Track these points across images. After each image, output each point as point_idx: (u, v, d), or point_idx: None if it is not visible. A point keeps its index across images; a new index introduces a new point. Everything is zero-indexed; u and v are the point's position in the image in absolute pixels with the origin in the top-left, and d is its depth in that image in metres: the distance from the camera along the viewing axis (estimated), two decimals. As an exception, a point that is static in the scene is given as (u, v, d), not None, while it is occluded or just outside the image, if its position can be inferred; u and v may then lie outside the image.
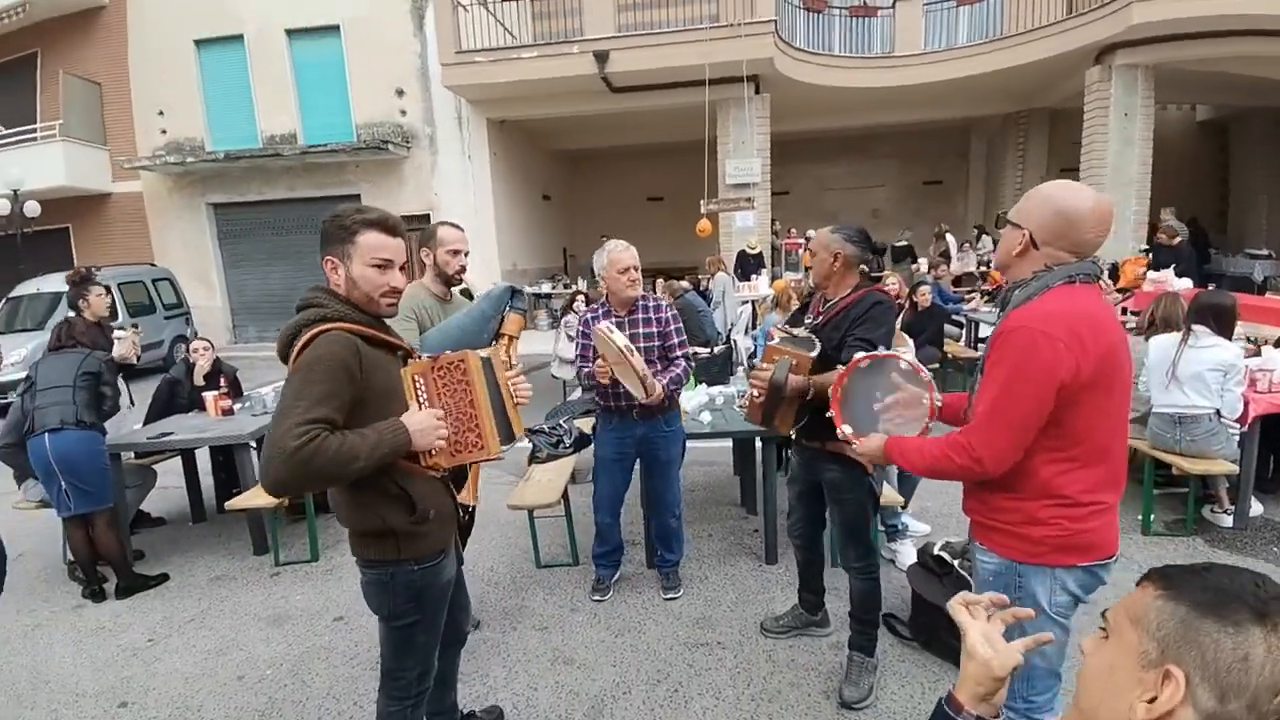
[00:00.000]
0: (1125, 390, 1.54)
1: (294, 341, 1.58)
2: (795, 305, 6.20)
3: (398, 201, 12.43)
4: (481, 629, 3.04)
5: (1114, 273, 8.63)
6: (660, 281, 8.75)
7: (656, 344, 3.03)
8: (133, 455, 4.16)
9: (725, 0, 10.39)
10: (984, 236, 12.58)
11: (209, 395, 4.29)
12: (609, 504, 3.26)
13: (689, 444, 3.42)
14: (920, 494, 3.87)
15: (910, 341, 3.68)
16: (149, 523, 4.43)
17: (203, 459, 4.62)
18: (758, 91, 11.43)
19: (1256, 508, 3.82)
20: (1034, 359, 1.43)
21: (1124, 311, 6.65)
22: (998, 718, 0.88)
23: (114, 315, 9.16)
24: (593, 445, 4.88)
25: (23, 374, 3.89)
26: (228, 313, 13.84)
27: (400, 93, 12.39)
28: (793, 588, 2.96)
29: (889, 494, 3.32)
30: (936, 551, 2.85)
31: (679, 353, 3.06)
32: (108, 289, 4.52)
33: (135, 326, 5.13)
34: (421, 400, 1.71)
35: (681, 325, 3.12)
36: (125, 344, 3.96)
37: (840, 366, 2.15)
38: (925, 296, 6.45)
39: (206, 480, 4.62)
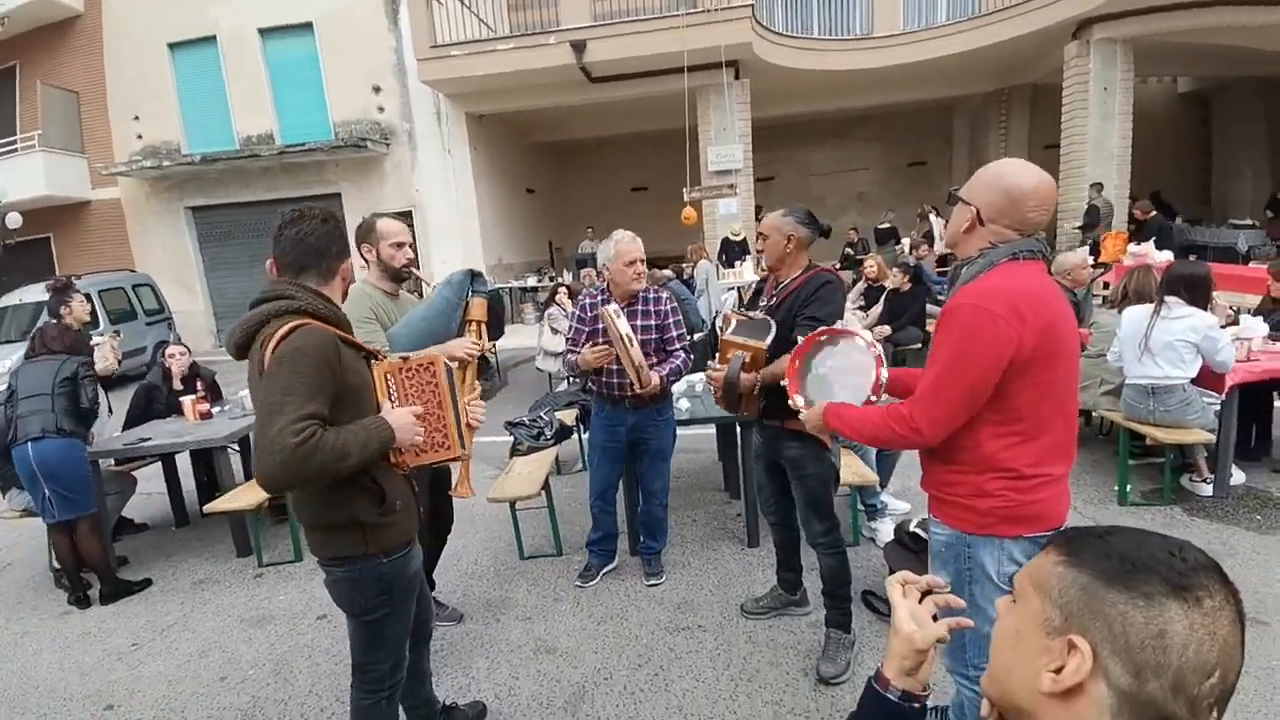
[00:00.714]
0: (1069, 364, 1.56)
1: (260, 331, 1.57)
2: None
3: (379, 199, 12.33)
4: (465, 622, 3.05)
5: (1095, 247, 8.69)
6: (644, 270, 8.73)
7: (655, 336, 3.05)
8: (112, 462, 4.15)
9: (701, -15, 10.33)
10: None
11: (186, 400, 4.26)
12: (602, 490, 3.28)
13: (674, 431, 3.44)
14: (901, 473, 3.90)
15: (856, 321, 3.70)
16: (132, 529, 4.43)
17: (183, 463, 4.61)
18: (737, 77, 11.38)
19: (1238, 476, 3.85)
20: (977, 335, 1.46)
21: (1104, 285, 6.71)
22: (926, 691, 0.88)
23: (95, 323, 9.13)
24: (575, 435, 4.91)
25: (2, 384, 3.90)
26: (210, 316, 13.75)
27: (377, 89, 12.27)
28: (773, 569, 2.98)
29: (866, 474, 3.34)
30: (912, 528, 2.87)
31: (678, 345, 3.07)
32: (87, 296, 4.51)
33: (117, 333, 5.09)
34: (393, 398, 1.73)
35: (681, 318, 3.12)
36: (104, 350, 3.94)
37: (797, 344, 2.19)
38: (902, 279, 6.46)
39: (188, 484, 4.60)
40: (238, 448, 4.34)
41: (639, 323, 3.01)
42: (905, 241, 11.64)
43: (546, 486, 3.58)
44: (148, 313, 11.22)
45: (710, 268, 8.90)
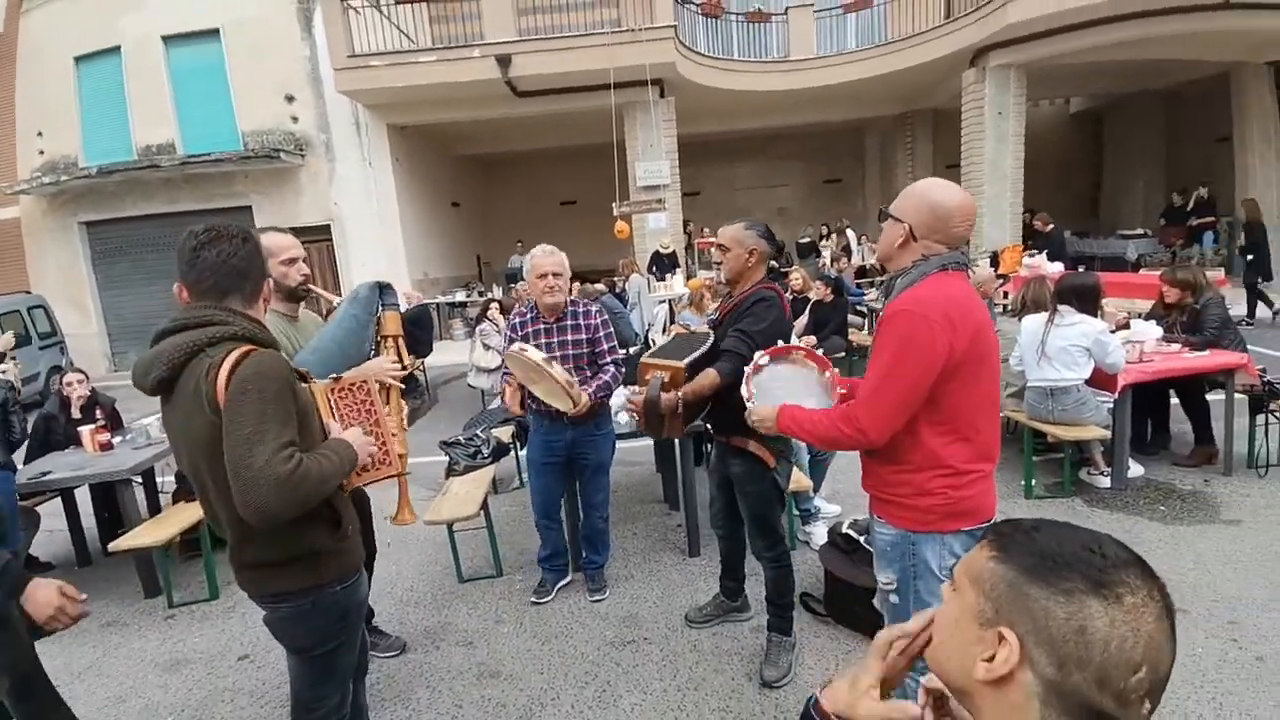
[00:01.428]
0: (993, 367, 1.69)
1: (191, 362, 1.46)
2: (710, 303, 6.38)
3: (295, 212, 11.79)
4: (405, 652, 2.94)
5: (994, 260, 9.37)
6: (575, 285, 8.74)
7: (586, 350, 3.00)
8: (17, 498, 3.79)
9: (626, 5, 10.49)
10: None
11: (85, 430, 3.93)
12: (543, 507, 3.24)
13: (611, 445, 3.45)
14: (831, 477, 4.06)
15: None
16: (38, 567, 4.06)
17: (83, 497, 4.23)
18: (663, 95, 11.62)
19: (1137, 469, 4.17)
20: (913, 340, 1.56)
21: (1004, 295, 7.24)
22: None
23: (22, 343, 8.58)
24: (513, 452, 4.84)
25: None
26: (105, 339, 12.73)
27: (290, 98, 11.76)
28: (715, 577, 3.04)
29: (800, 479, 3.46)
30: (844, 530, 3.00)
31: (609, 359, 3.02)
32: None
33: (14, 360, 4.61)
34: (336, 419, 1.70)
35: (612, 331, 3.08)
36: (9, 377, 3.62)
37: (712, 367, 2.32)
38: (825, 291, 6.78)
39: (89, 520, 4.23)
40: (141, 480, 4.03)
41: (569, 337, 2.98)
42: (825, 254, 12.16)
43: (485, 506, 3.51)
44: (41, 336, 10.31)
45: (642, 282, 9.02)
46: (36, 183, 11.83)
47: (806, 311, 6.86)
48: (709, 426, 2.61)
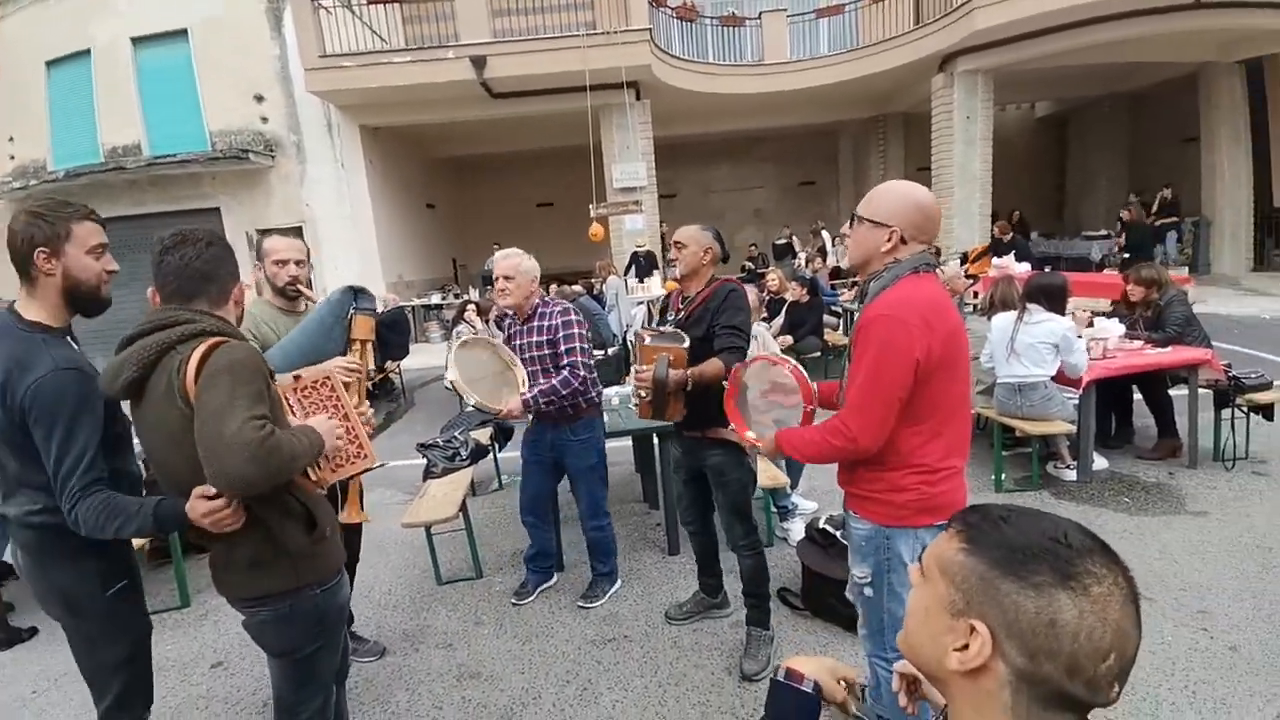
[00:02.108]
0: (966, 365, 1.73)
1: (161, 361, 1.47)
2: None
3: (265, 214, 11.59)
4: (384, 656, 2.91)
5: (964, 260, 9.56)
6: (554, 287, 8.73)
7: (547, 352, 2.95)
8: None
9: (601, 7, 10.51)
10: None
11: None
12: (529, 505, 3.23)
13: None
14: (808, 473, 4.12)
15: (774, 344, 3.91)
16: (11, 575, 3.97)
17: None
18: (639, 97, 11.66)
19: (1101, 463, 4.28)
20: (893, 344, 1.58)
21: (974, 295, 7.39)
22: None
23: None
24: (491, 454, 4.81)
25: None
26: (69, 344, 12.38)
27: (259, 99, 11.55)
28: (694, 575, 3.06)
29: (778, 476, 3.51)
30: (821, 525, 3.04)
31: (566, 360, 2.89)
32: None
33: None
34: (296, 415, 1.70)
35: (575, 333, 2.92)
36: None
37: (715, 358, 2.33)
38: (800, 292, 6.87)
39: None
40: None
41: (532, 339, 2.96)
42: (801, 256, 12.30)
43: (464, 508, 3.49)
44: None
45: (620, 283, 9.03)
46: (6, 188, 11.62)
47: (783, 312, 6.93)
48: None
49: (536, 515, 3.25)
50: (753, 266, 12.87)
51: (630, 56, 10.31)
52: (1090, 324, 4.71)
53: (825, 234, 13.64)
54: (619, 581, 3.30)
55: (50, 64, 12.00)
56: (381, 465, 1.90)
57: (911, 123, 14.81)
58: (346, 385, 2.02)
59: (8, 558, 3.92)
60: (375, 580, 3.59)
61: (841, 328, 8.48)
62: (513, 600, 3.25)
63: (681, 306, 2.57)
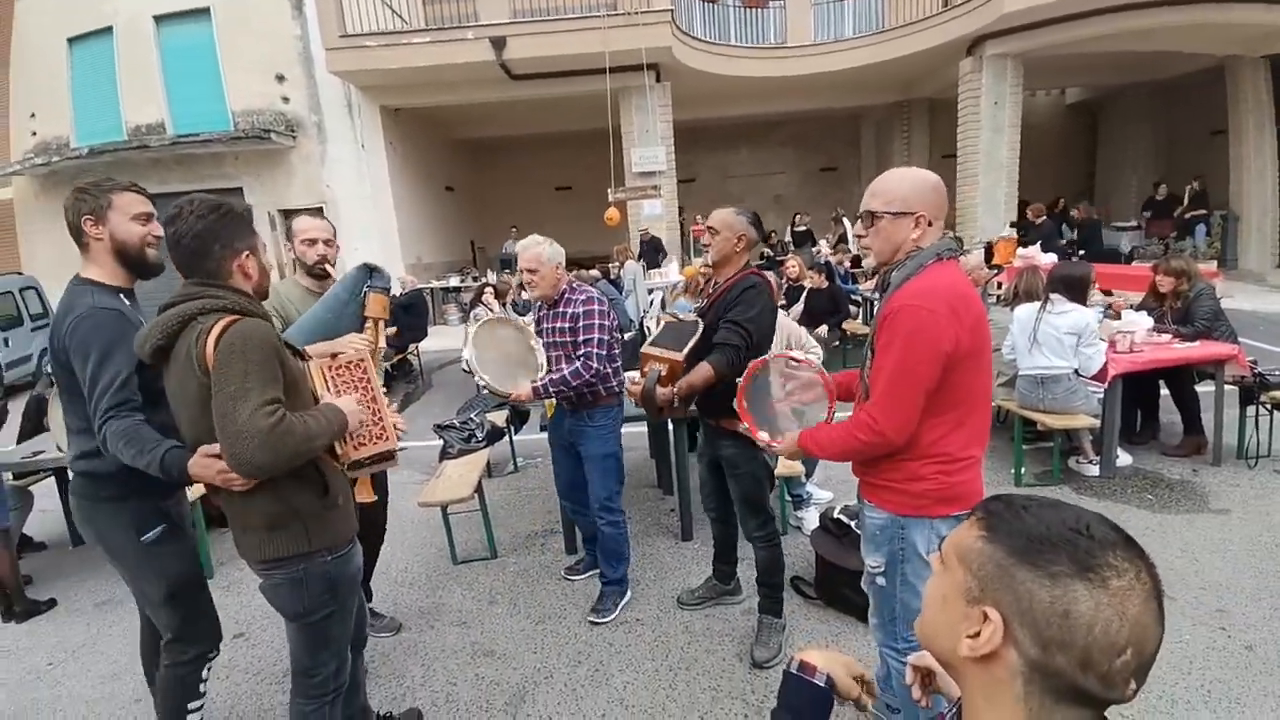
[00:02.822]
0: (989, 356, 1.70)
1: (183, 332, 1.54)
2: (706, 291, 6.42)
3: (286, 194, 11.68)
4: (400, 632, 2.97)
5: (989, 250, 9.39)
6: (571, 272, 8.72)
7: (568, 339, 2.87)
8: (10, 476, 3.82)
9: (623, -12, 10.40)
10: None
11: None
12: (565, 491, 3.23)
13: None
14: (824, 463, 4.09)
15: (798, 330, 3.86)
16: (31, 547, 4.15)
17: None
18: (659, 80, 11.53)
19: (1125, 459, 4.21)
20: (921, 335, 1.54)
21: (998, 285, 7.27)
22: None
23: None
24: (507, 436, 4.85)
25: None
26: (96, 320, 12.64)
27: (281, 78, 11.59)
28: (708, 561, 3.07)
29: (793, 465, 3.49)
30: (835, 515, 3.03)
31: (582, 351, 2.81)
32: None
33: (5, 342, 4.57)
34: (332, 392, 1.76)
35: (596, 323, 2.81)
36: None
37: (706, 359, 2.33)
38: (819, 279, 6.82)
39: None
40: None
41: (556, 325, 2.89)
42: (822, 244, 12.16)
43: (479, 489, 3.52)
44: (33, 318, 10.24)
45: (638, 268, 9.01)
46: (29, 164, 11.73)
47: (802, 299, 6.88)
48: (697, 410, 2.63)
49: (574, 501, 3.22)
50: (772, 254, 12.75)
51: (651, 38, 10.18)
52: (1118, 316, 4.62)
53: (845, 221, 13.46)
54: (630, 593, 3.10)
55: (72, 41, 12.08)
56: (402, 449, 1.94)
57: (937, 108, 14.50)
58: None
59: (28, 530, 4.08)
60: (392, 558, 3.64)
61: (862, 316, 8.39)
62: (564, 574, 3.32)
63: (710, 291, 2.56)
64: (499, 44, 10.10)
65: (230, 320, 1.51)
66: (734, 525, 2.87)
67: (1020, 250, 8.57)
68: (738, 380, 2.08)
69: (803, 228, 13.50)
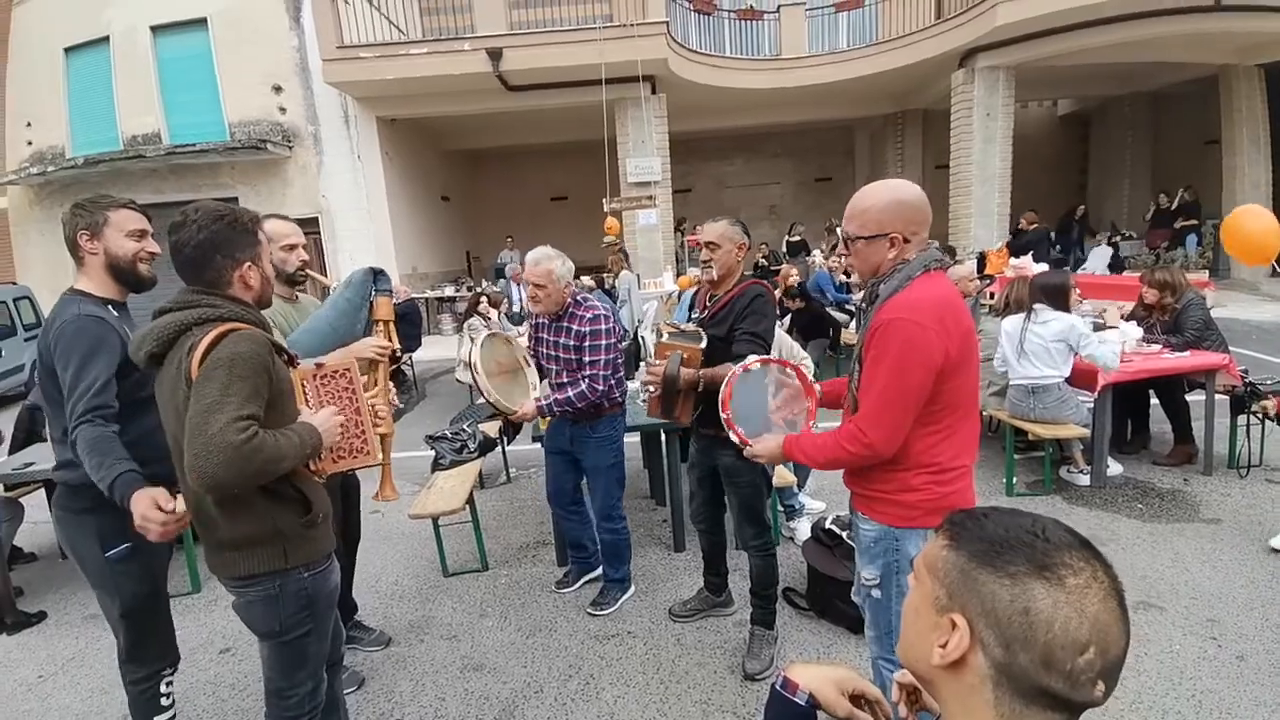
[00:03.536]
0: (978, 365, 1.71)
1: (179, 339, 1.52)
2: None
3: (282, 204, 11.68)
4: (389, 646, 2.94)
5: (981, 261, 9.45)
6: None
7: (572, 356, 2.83)
8: (1, 488, 3.82)
9: (618, 1, 10.47)
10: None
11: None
12: (554, 497, 3.21)
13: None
14: (816, 472, 4.08)
15: (801, 352, 3.89)
16: (22, 559, 4.11)
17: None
18: (654, 91, 11.59)
19: (1116, 468, 4.22)
20: (911, 347, 1.54)
21: (990, 295, 7.30)
22: None
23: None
24: (500, 447, 4.84)
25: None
26: (90, 330, 12.60)
27: (278, 89, 11.64)
28: (700, 572, 3.06)
29: (785, 475, 3.49)
30: (828, 525, 3.03)
31: (586, 371, 2.77)
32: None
33: None
34: (310, 404, 1.73)
35: (602, 343, 2.78)
36: None
37: (731, 362, 2.27)
38: (791, 303, 6.97)
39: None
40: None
41: (560, 339, 2.85)
42: (816, 254, 12.20)
43: (471, 501, 3.51)
44: (26, 327, 10.21)
45: (633, 278, 9.01)
46: (24, 173, 11.74)
47: (787, 320, 6.98)
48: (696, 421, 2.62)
49: (562, 507, 3.22)
50: (766, 264, 12.79)
51: (647, 50, 10.26)
52: (1105, 326, 4.65)
53: (840, 231, 13.50)
54: (632, 588, 3.21)
55: (69, 50, 12.11)
56: (381, 464, 1.92)
57: (930, 119, 14.61)
58: (375, 364, 2.09)
59: (18, 542, 4.04)
60: (382, 570, 3.62)
61: (854, 325, 8.41)
62: (555, 590, 3.28)
63: (708, 305, 2.53)
64: (495, 55, 10.16)
65: (223, 331, 1.49)
66: (723, 537, 2.87)
67: (1012, 260, 8.62)
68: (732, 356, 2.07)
69: (797, 238, 13.55)
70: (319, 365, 1.79)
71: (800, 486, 3.80)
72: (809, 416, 1.90)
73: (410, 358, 7.97)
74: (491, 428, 4.76)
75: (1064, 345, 3.86)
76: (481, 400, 5.87)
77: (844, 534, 2.93)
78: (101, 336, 1.80)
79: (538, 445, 3.45)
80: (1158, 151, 15.25)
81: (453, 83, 10.67)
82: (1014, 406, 4.09)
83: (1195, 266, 10.85)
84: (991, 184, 11.58)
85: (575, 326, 2.81)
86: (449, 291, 12.78)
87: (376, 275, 2.32)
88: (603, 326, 2.79)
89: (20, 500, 3.97)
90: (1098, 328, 4.68)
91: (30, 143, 12.44)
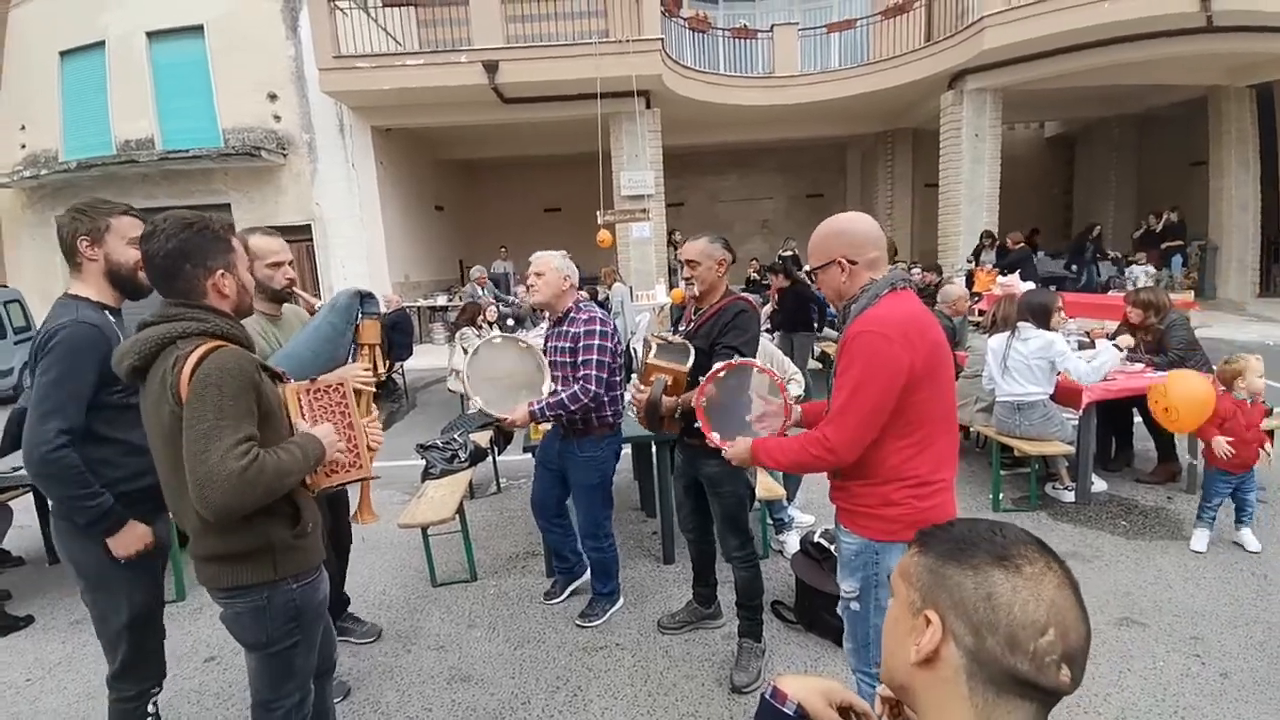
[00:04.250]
0: (950, 379, 1.76)
1: (161, 354, 1.50)
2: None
3: (275, 212, 11.66)
4: (376, 647, 2.94)
5: (969, 280, 9.57)
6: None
7: (569, 359, 2.84)
8: None
9: (614, 17, 10.59)
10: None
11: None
12: (536, 508, 3.22)
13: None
14: (806, 486, 4.12)
15: (791, 366, 3.94)
16: (9, 562, 4.07)
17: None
18: (649, 106, 11.72)
19: (1100, 485, 4.26)
20: (876, 359, 1.63)
21: (978, 313, 7.39)
22: None
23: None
24: (491, 457, 4.83)
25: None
26: (77, 334, 12.49)
27: (273, 97, 11.65)
28: (688, 585, 3.06)
29: (775, 488, 3.51)
30: (816, 539, 3.05)
31: (581, 373, 2.76)
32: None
33: None
34: (305, 419, 1.73)
35: (596, 344, 2.77)
36: None
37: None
38: (779, 279, 7.02)
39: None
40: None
41: (558, 343, 2.88)
42: (808, 266, 12.30)
43: (461, 510, 3.51)
44: (16, 331, 10.10)
45: (625, 290, 9.07)
46: (17, 176, 11.70)
47: (772, 304, 6.97)
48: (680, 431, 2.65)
49: (544, 518, 3.23)
50: (757, 278, 12.89)
51: (642, 65, 10.38)
52: (1092, 345, 4.71)
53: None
54: (620, 600, 3.19)
55: (64, 54, 12.09)
56: (376, 478, 1.93)
57: (920, 139, 14.83)
58: (358, 393, 2.00)
59: (5, 545, 4.00)
60: (370, 580, 3.60)
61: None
62: (543, 601, 3.28)
63: (694, 317, 2.60)
64: (492, 68, 10.24)
65: (209, 348, 1.47)
66: (712, 545, 2.88)
67: (1000, 279, 8.74)
68: (700, 379, 2.12)
69: (789, 252, 13.67)
70: (312, 380, 1.79)
71: (790, 499, 3.82)
72: (785, 417, 1.96)
73: (401, 366, 7.96)
74: (483, 437, 4.76)
75: (1045, 362, 3.92)
76: (473, 410, 5.87)
77: (831, 547, 2.94)
78: (93, 346, 1.79)
79: (529, 456, 3.46)
80: (1143, 173, 15.50)
81: (449, 94, 10.74)
82: (1000, 423, 4.14)
83: (1180, 287, 11.03)
84: (980, 204, 11.75)
85: (572, 329, 2.84)
86: (441, 300, 12.78)
87: (364, 298, 2.26)
88: (597, 329, 2.79)
89: (8, 504, 3.94)
90: (1082, 346, 4.75)
91: (24, 146, 12.39)
